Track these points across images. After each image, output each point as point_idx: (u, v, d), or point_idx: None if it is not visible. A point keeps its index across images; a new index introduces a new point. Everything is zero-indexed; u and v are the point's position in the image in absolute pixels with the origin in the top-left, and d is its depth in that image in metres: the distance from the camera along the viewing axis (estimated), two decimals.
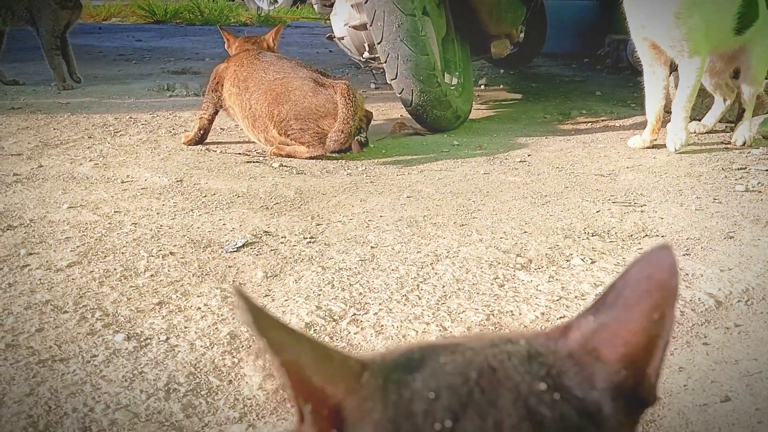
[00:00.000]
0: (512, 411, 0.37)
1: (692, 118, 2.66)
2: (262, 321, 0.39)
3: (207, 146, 2.54)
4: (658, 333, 0.41)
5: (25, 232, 1.69)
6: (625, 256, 1.60)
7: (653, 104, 2.55)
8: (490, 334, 0.45)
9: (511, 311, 1.35)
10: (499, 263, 1.57)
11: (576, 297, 1.40)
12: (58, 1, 3.42)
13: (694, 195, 2.07)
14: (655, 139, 2.59)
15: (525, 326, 1.29)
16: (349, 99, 2.33)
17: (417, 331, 1.27)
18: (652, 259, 0.43)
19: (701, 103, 2.93)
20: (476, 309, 1.36)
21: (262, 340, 0.39)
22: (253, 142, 2.54)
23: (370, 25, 2.65)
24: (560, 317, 1.32)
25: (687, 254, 1.64)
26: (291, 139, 2.41)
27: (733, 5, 2.42)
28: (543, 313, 1.34)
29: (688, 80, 2.43)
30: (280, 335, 0.40)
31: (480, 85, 3.96)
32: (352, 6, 2.86)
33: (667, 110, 2.58)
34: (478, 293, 1.42)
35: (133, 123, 2.83)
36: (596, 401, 0.39)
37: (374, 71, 4.22)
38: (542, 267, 1.55)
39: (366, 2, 2.62)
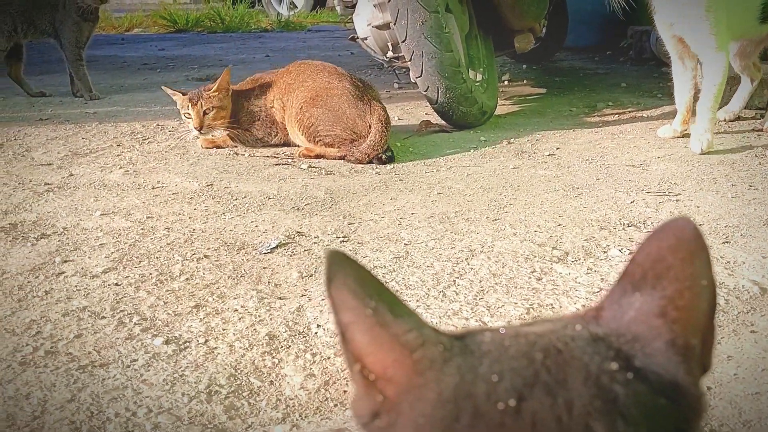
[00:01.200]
0: (583, 390, 0.36)
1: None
2: (338, 279, 0.40)
3: (234, 151, 2.54)
4: (706, 299, 0.40)
5: (59, 240, 1.70)
6: None
7: (683, 95, 2.49)
8: (547, 319, 0.43)
9: (551, 304, 1.33)
10: (535, 256, 1.55)
11: None
12: (80, 14, 3.46)
13: (729, 182, 2.03)
14: (686, 129, 2.53)
15: None
16: (383, 125, 2.36)
17: (456, 327, 1.26)
18: (674, 230, 0.42)
19: (729, 90, 2.88)
20: (515, 303, 1.34)
21: (329, 300, 0.40)
22: (281, 145, 2.55)
23: (394, 24, 2.64)
24: None
25: (726, 242, 1.60)
26: (319, 143, 2.42)
27: None
28: (584, 306, 1.31)
29: (715, 77, 2.32)
30: (348, 294, 0.39)
31: (503, 81, 3.93)
32: (374, 6, 2.85)
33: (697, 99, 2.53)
34: (515, 287, 1.40)
35: (161, 130, 2.84)
36: (671, 379, 0.38)
37: (397, 71, 4.20)
38: (579, 259, 1.53)
39: (389, 1, 2.61)
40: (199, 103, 2.44)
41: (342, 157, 2.38)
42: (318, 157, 2.40)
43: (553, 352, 0.38)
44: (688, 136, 2.51)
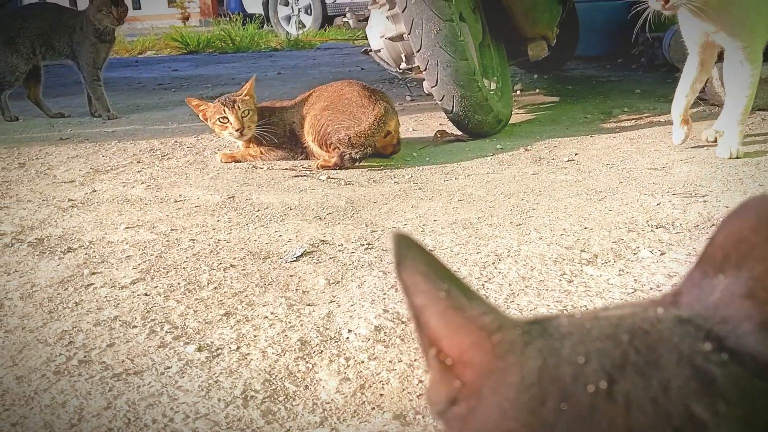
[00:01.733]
0: (678, 371, 0.34)
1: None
2: (408, 262, 0.39)
3: (253, 164, 2.55)
4: None
5: (86, 253, 1.71)
6: (695, 246, 1.56)
7: (681, 102, 2.38)
8: (623, 303, 0.42)
9: (586, 306, 1.31)
10: (564, 259, 1.54)
11: (651, 288, 1.36)
12: (98, 36, 3.50)
13: (756, 183, 2.01)
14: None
15: None
16: (373, 120, 2.39)
17: None
18: (754, 210, 0.40)
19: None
20: (548, 305, 1.32)
21: (401, 283, 0.39)
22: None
23: (408, 34, 2.65)
24: None
25: None
26: (331, 147, 2.44)
27: None
28: None
29: (746, 89, 2.24)
30: (420, 278, 0.38)
31: (516, 91, 3.93)
32: (388, 18, 2.87)
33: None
34: (546, 290, 1.39)
35: (179, 146, 2.86)
36: (766, 361, 0.36)
37: (409, 84, 4.22)
38: (609, 261, 1.51)
39: (403, 11, 2.62)
40: (235, 106, 2.45)
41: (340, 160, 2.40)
42: (337, 165, 2.41)
43: (640, 333, 0.37)
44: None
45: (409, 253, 0.39)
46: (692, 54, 2.43)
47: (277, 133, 2.55)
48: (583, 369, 0.35)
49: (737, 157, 2.26)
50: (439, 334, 0.39)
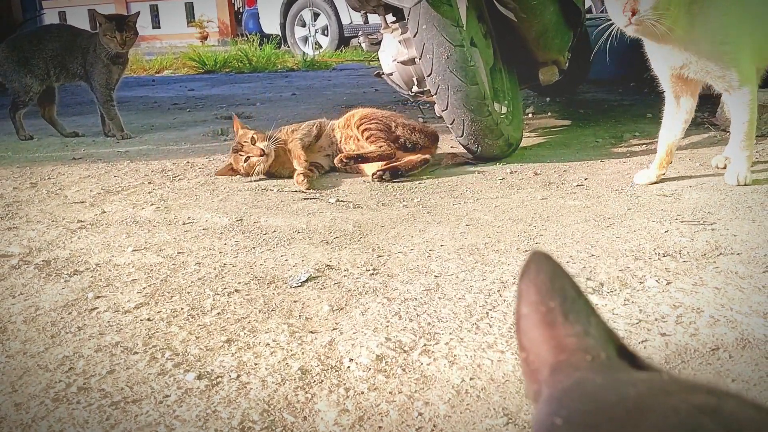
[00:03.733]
0: None
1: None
2: (530, 273, 0.42)
3: (264, 186, 2.56)
4: None
5: (92, 276, 1.72)
6: (702, 276, 1.54)
7: (666, 138, 2.33)
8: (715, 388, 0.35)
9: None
10: None
11: (656, 319, 1.34)
12: (110, 58, 3.55)
13: (765, 210, 1.99)
14: (663, 174, 2.36)
15: None
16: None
17: (492, 360, 1.23)
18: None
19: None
20: None
21: (517, 289, 0.42)
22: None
23: (419, 59, 2.66)
24: (642, 341, 1.26)
25: (767, 271, 1.56)
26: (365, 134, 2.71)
27: None
28: (624, 338, 1.28)
29: (743, 115, 2.18)
30: (533, 289, 0.41)
31: (527, 114, 3.93)
32: (399, 42, 2.88)
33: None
34: None
35: (191, 167, 2.88)
36: None
37: (421, 106, 4.24)
38: (615, 290, 1.50)
39: (414, 36, 2.63)
40: (252, 137, 2.64)
41: (386, 157, 2.61)
42: (358, 158, 2.59)
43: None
44: (661, 181, 2.35)
45: (537, 267, 0.42)
46: (666, 91, 2.33)
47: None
48: None
49: (746, 184, 2.23)
50: (528, 342, 0.41)
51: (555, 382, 0.38)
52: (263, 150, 2.57)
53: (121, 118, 3.64)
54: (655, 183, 2.35)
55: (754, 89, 2.20)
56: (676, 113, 2.33)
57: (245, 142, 2.60)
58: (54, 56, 3.54)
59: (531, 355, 0.41)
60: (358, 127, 2.72)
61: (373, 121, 2.74)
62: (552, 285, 0.41)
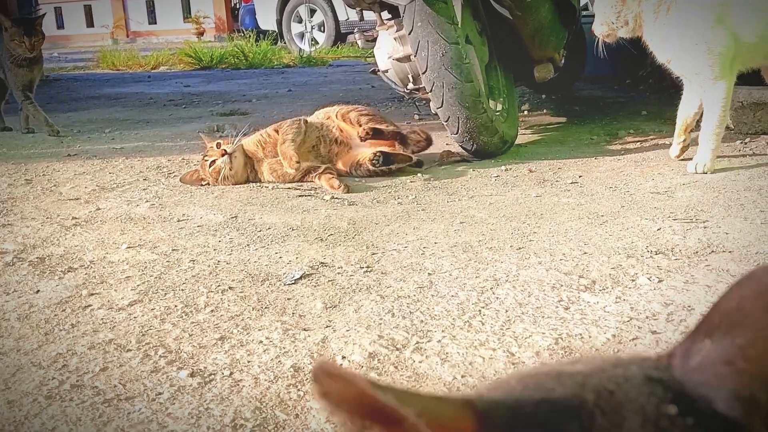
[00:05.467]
0: None
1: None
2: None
3: (259, 183, 2.56)
4: None
5: (86, 273, 1.72)
6: (694, 273, 1.54)
7: (681, 115, 2.56)
8: (591, 358, 0.41)
9: (581, 334, 1.30)
10: (562, 285, 1.53)
11: (647, 317, 1.35)
12: (14, 61, 3.57)
13: (758, 209, 2.00)
14: (684, 143, 2.57)
15: (596, 349, 1.25)
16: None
17: (484, 358, 1.24)
18: (759, 279, 0.40)
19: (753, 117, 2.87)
20: (543, 333, 1.32)
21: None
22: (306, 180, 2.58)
23: (415, 56, 2.66)
24: (633, 339, 1.27)
25: None
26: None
27: None
28: (614, 335, 1.29)
29: (714, 108, 2.34)
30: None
31: (523, 111, 3.93)
32: (395, 39, 2.89)
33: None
34: (543, 317, 1.38)
35: (186, 164, 2.88)
36: (736, 427, 0.35)
37: (417, 103, 4.24)
38: (607, 288, 1.51)
39: (410, 34, 2.64)
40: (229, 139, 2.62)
41: (397, 136, 2.69)
42: (376, 131, 2.62)
43: (605, 393, 0.36)
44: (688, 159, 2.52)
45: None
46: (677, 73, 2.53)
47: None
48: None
49: (704, 172, 2.37)
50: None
51: None
52: (225, 150, 2.47)
53: (45, 115, 3.65)
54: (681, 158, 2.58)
55: (729, 87, 2.34)
56: (690, 89, 2.51)
57: (210, 147, 2.52)
58: None
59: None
60: (344, 117, 2.70)
61: (361, 110, 2.73)
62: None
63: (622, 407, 0.35)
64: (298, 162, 2.49)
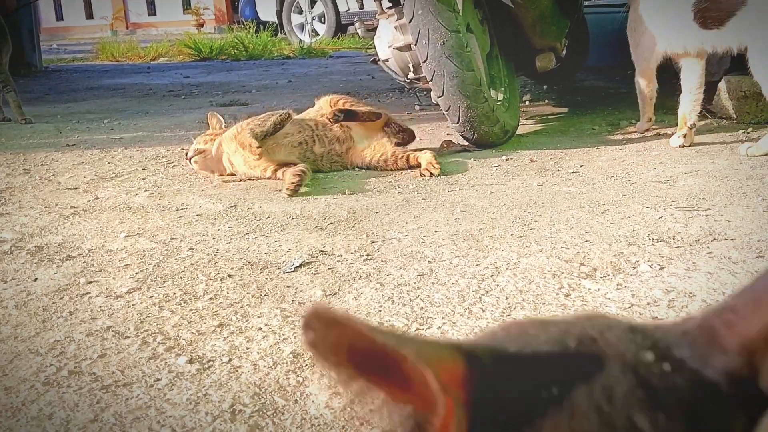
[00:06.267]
0: (621, 378, 0.35)
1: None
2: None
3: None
4: None
5: (84, 262, 1.71)
6: (695, 261, 1.53)
7: (684, 101, 2.73)
8: (581, 313, 0.42)
9: None
10: (563, 273, 1.52)
11: (648, 303, 1.34)
12: None
13: (760, 197, 1.98)
14: (691, 124, 2.70)
15: None
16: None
17: None
18: None
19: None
20: None
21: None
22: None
23: (415, 44, 2.64)
24: None
25: (760, 256, 1.56)
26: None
27: None
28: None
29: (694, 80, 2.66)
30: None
31: (524, 101, 3.92)
32: (395, 28, 2.87)
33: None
34: (543, 303, 1.37)
35: (185, 154, 2.86)
36: (712, 379, 0.36)
37: (418, 93, 4.22)
38: (608, 275, 1.50)
39: (410, 22, 2.62)
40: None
41: (376, 116, 2.61)
42: (349, 112, 2.55)
43: (587, 340, 0.37)
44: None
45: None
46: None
47: None
48: (537, 378, 0.35)
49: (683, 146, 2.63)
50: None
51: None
52: (187, 153, 2.51)
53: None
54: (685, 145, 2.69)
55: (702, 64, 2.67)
56: (689, 73, 2.77)
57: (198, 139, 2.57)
58: None
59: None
60: (333, 106, 2.64)
61: (348, 99, 2.69)
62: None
63: (602, 353, 0.36)
64: (258, 147, 2.33)
